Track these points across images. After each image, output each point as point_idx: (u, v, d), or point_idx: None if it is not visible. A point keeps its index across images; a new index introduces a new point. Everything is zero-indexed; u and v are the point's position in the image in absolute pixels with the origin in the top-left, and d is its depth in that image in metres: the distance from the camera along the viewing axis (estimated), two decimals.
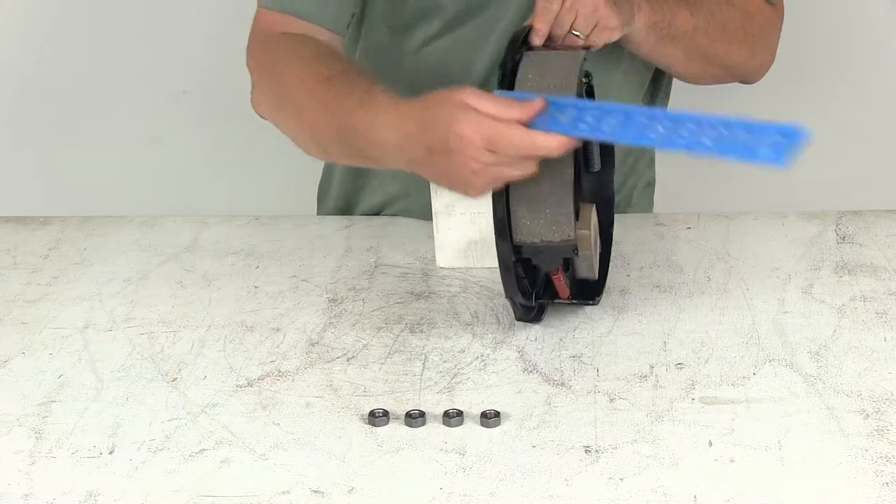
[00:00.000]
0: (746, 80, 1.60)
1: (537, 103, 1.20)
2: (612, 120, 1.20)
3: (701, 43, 1.49)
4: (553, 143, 1.19)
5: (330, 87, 1.34)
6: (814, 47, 2.35)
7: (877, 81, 2.37)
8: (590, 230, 1.31)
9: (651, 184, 1.75)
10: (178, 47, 2.40)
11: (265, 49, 1.46)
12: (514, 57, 1.28)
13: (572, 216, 1.25)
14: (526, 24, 1.33)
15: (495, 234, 1.25)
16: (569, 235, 1.25)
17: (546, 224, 1.25)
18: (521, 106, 1.20)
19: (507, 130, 1.19)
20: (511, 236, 1.25)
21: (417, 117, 1.24)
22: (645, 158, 1.72)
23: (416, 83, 1.48)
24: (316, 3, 1.46)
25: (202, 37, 2.37)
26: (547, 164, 1.22)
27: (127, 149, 2.48)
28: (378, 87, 1.31)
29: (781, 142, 1.12)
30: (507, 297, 1.30)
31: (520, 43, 1.30)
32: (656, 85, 1.66)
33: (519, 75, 1.26)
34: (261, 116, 1.49)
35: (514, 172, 1.21)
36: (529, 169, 1.21)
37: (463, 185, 1.24)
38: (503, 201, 1.24)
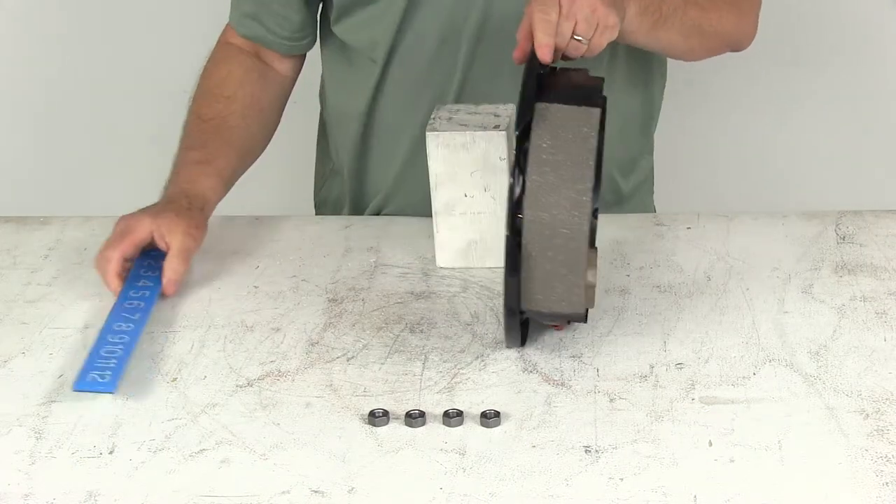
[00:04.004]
0: (737, 48, 1.62)
1: None
2: None
3: (693, 15, 1.49)
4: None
5: (186, 131, 1.60)
6: (814, 48, 2.35)
7: (877, 82, 2.37)
8: (595, 278, 1.27)
9: (650, 177, 1.76)
10: (178, 47, 2.40)
11: (211, 53, 1.67)
12: (526, 119, 1.21)
13: (583, 293, 1.23)
14: (514, 58, 1.30)
15: (504, 300, 1.22)
16: (578, 310, 1.24)
17: (557, 300, 1.23)
18: None
19: None
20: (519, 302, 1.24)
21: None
22: (647, 147, 1.72)
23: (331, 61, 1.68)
24: (255, 28, 1.64)
25: (202, 37, 2.37)
26: (562, 241, 1.20)
27: (127, 149, 2.48)
28: (177, 181, 1.54)
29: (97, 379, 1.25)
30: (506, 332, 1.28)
31: (535, 66, 1.24)
32: (651, 85, 1.66)
33: (533, 142, 1.20)
34: None
35: None
36: None
37: None
38: (516, 277, 1.21)
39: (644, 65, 1.64)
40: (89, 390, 1.24)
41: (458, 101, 1.55)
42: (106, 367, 1.27)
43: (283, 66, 1.67)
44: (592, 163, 1.20)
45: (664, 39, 1.49)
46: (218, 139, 1.58)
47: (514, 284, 1.21)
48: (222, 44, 1.67)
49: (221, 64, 1.65)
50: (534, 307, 1.24)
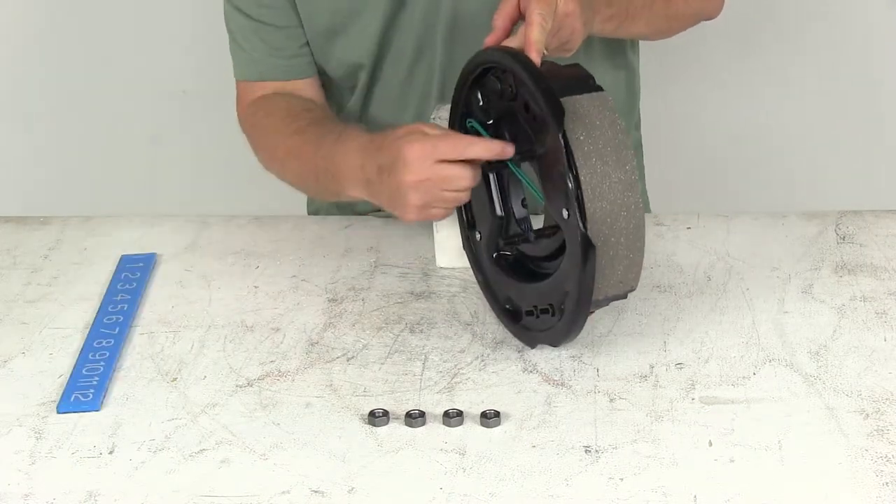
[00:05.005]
0: (708, 19, 1.63)
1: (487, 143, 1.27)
2: None
3: (659, 8, 1.51)
4: (485, 149, 1.26)
5: (304, 136, 1.47)
6: (814, 49, 2.35)
7: (877, 82, 2.38)
8: None
9: (638, 153, 1.76)
10: (178, 47, 2.40)
11: (247, 117, 1.58)
12: (561, 117, 1.21)
13: (640, 269, 1.24)
14: (487, 44, 1.29)
15: (580, 296, 1.22)
16: (631, 287, 1.26)
17: (615, 283, 1.24)
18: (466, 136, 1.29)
19: (443, 141, 1.27)
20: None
21: (378, 140, 1.32)
22: (633, 121, 1.72)
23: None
24: (266, 64, 1.56)
25: (202, 37, 2.37)
26: (623, 224, 1.21)
27: (127, 149, 2.48)
28: (350, 126, 1.44)
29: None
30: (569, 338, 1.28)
31: (536, 68, 1.23)
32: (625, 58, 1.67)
33: (570, 136, 1.21)
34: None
35: (449, 193, 1.27)
36: (464, 189, 1.27)
37: (401, 203, 1.29)
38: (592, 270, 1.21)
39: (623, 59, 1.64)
40: (74, 411, 1.24)
41: (439, 101, 1.55)
42: (89, 385, 1.27)
43: (309, 92, 1.60)
44: (629, 142, 1.23)
45: (632, 32, 1.52)
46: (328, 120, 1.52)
47: (590, 278, 1.21)
48: (250, 103, 1.58)
49: (269, 109, 1.56)
50: (593, 296, 1.24)
